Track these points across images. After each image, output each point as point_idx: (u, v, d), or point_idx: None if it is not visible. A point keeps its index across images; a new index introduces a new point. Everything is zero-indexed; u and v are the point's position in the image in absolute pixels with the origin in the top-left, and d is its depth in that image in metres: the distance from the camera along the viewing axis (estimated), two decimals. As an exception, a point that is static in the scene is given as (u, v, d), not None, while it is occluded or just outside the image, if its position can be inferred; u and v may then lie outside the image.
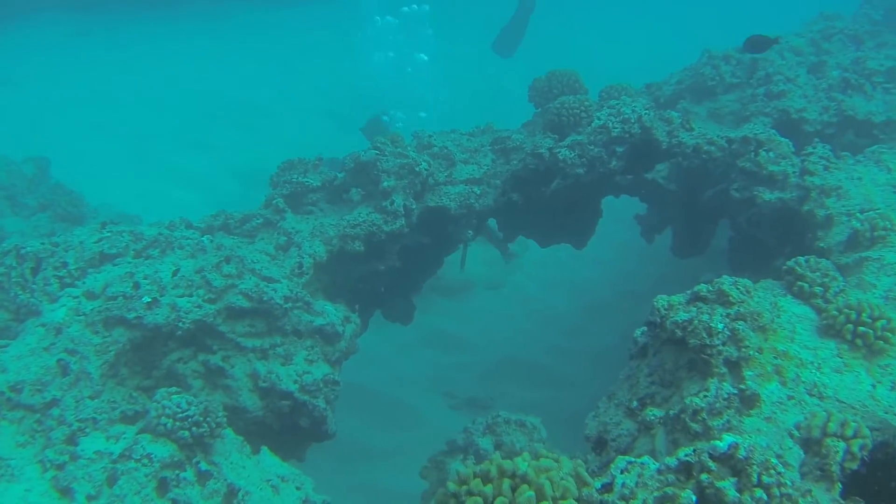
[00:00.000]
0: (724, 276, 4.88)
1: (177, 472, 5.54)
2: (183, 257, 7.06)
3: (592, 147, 8.14)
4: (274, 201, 7.81)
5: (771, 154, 7.23)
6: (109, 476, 5.41)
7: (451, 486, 3.39)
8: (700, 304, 4.74)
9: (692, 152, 7.87)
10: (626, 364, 5.36)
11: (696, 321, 4.55)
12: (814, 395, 4.47)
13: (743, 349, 4.53)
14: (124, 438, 5.67)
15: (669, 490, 3.33)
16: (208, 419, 5.71)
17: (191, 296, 6.66)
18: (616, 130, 8.10)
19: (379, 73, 20.70)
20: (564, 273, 13.19)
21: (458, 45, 25.24)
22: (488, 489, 3.31)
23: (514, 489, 3.31)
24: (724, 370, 4.52)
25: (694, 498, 3.31)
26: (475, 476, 3.38)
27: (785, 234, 7.11)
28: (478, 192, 8.27)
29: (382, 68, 20.84)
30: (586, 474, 3.42)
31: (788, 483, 3.37)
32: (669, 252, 11.78)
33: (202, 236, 7.32)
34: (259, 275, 6.96)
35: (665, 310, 4.80)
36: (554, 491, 3.27)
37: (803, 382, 4.55)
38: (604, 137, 8.16)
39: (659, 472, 3.50)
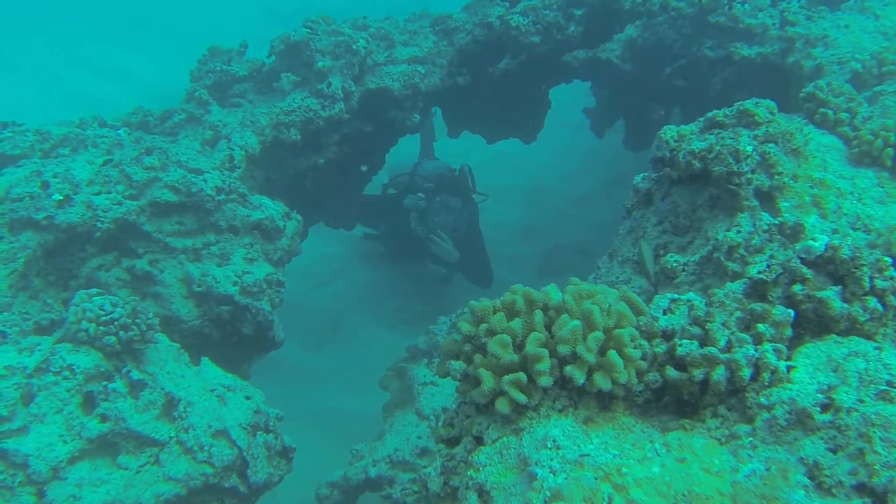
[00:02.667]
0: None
1: (104, 383, 4.77)
2: (98, 155, 6.19)
3: (548, 11, 7.38)
4: (197, 93, 6.94)
5: (747, 6, 6.56)
6: (24, 393, 4.61)
7: (465, 326, 2.67)
8: (718, 131, 4.05)
9: (659, 9, 7.16)
10: (623, 221, 4.70)
11: (718, 146, 3.86)
12: (858, 229, 3.83)
13: (776, 176, 3.85)
14: (39, 350, 4.83)
15: (757, 307, 2.64)
16: (137, 321, 4.92)
17: (109, 192, 5.82)
18: (572, -10, 7.37)
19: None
20: (510, 180, 12.47)
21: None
22: (516, 324, 2.59)
23: (549, 324, 2.60)
24: (755, 203, 3.84)
25: (792, 312, 2.63)
26: (496, 310, 2.65)
27: (766, 93, 6.45)
28: (422, 70, 7.50)
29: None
30: (639, 300, 2.72)
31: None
32: (617, 155, 11.25)
33: (120, 128, 6.44)
34: (185, 167, 6.13)
35: (675, 141, 4.10)
36: (606, 318, 2.56)
37: (845, 214, 3.90)
38: (560, 0, 7.42)
39: (716, 303, 2.81)
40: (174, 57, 15.31)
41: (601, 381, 2.49)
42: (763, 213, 3.80)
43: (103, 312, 4.85)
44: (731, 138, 3.88)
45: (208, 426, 4.90)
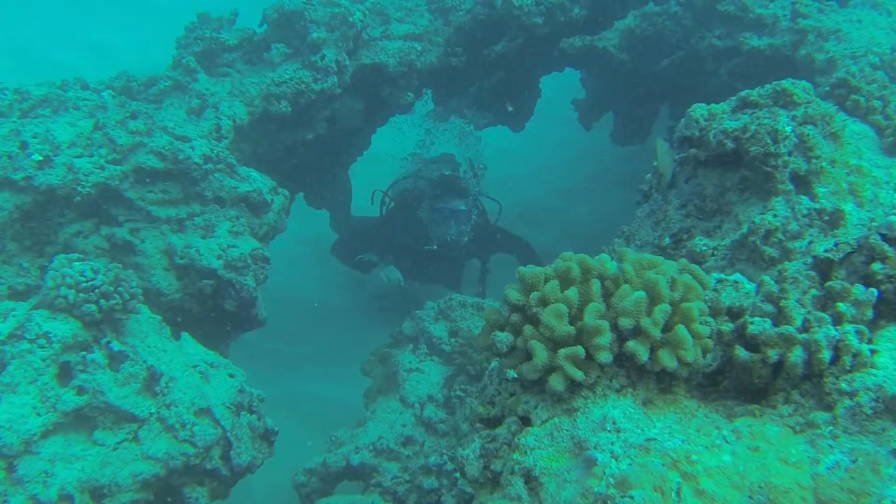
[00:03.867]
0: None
1: (83, 353, 4.47)
2: (80, 118, 5.85)
3: (552, -7, 7.16)
4: (184, 60, 6.60)
5: (758, -5, 6.39)
6: (-4, 360, 4.30)
7: (514, 294, 2.41)
8: (752, 111, 3.84)
9: (667, -5, 6.98)
10: (639, 204, 4.49)
11: (755, 125, 3.64)
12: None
13: (814, 161, 3.64)
14: (13, 316, 4.52)
15: (836, 284, 2.41)
16: (120, 289, 4.64)
17: (91, 156, 5.51)
18: (580, -28, 7.14)
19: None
20: (494, 172, 12.26)
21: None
22: (572, 293, 2.34)
23: (605, 295, 2.36)
24: (791, 187, 3.64)
25: (875, 292, 2.40)
26: (548, 278, 2.40)
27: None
28: (419, 48, 7.23)
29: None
30: (702, 272, 2.48)
31: None
32: (599, 150, 11.10)
33: (103, 91, 6.11)
34: (172, 133, 5.83)
35: (706, 119, 3.89)
36: (672, 290, 2.33)
37: (882, 204, 3.71)
38: (566, -19, 7.20)
39: (789, 280, 2.57)
40: (151, 32, 14.94)
41: (666, 360, 2.26)
42: (802, 197, 3.60)
43: (84, 279, 4.55)
44: (769, 118, 3.68)
45: (191, 403, 4.62)
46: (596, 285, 2.35)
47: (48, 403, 4.28)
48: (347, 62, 6.85)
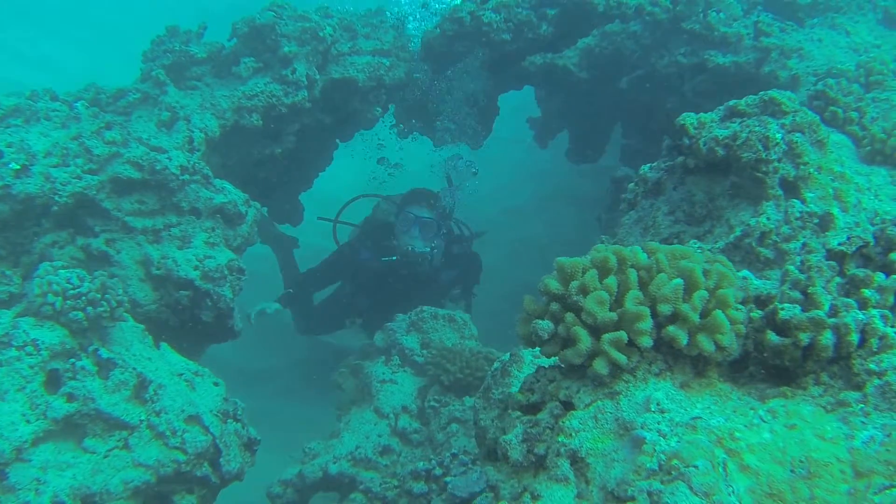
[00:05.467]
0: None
1: (72, 360, 4.44)
2: (52, 128, 5.82)
3: (520, 10, 7.30)
4: (153, 73, 6.58)
5: (721, 15, 6.60)
6: (-16, 368, 4.25)
7: (553, 284, 2.50)
8: (740, 119, 4.00)
9: (634, 13, 7.16)
10: (623, 212, 4.61)
11: (745, 132, 3.80)
12: (876, 224, 3.81)
13: (801, 167, 3.81)
14: (-1, 324, 4.48)
15: (859, 272, 2.54)
16: (107, 297, 4.62)
17: (67, 165, 5.47)
18: (546, -11, 7.30)
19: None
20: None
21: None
22: (611, 282, 2.44)
23: (641, 283, 2.47)
24: (780, 192, 3.80)
25: None
26: (586, 268, 2.50)
27: (736, 103, 6.51)
28: (387, 63, 7.33)
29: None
30: (728, 262, 2.60)
31: None
32: (552, 168, 11.24)
33: (75, 102, 6.07)
34: (147, 144, 5.82)
35: (695, 128, 4.03)
36: (707, 278, 2.44)
37: (864, 209, 3.89)
38: (533, -1, 7.36)
39: (814, 269, 2.70)
40: (102, 49, 14.78)
41: (705, 343, 2.37)
42: (795, 201, 3.76)
43: (70, 286, 4.54)
44: (759, 125, 3.83)
45: (181, 410, 4.61)
46: (633, 274, 2.45)
47: (38, 411, 4.24)
48: (318, 76, 6.91)
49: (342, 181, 10.44)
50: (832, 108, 4.61)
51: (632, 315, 2.36)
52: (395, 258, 7.83)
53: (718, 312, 2.37)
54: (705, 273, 2.45)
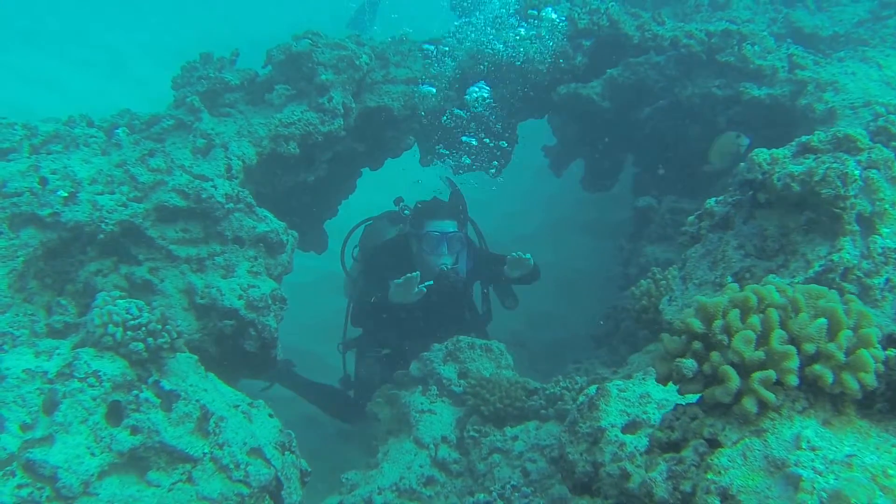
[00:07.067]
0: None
1: (135, 392, 4.39)
2: (92, 155, 5.80)
3: (554, 41, 7.37)
4: (188, 100, 6.56)
5: (756, 48, 6.67)
6: (46, 400, 4.20)
7: (696, 323, 2.50)
8: (813, 156, 4.03)
9: (669, 45, 7.22)
10: (686, 246, 4.62)
11: (823, 169, 3.82)
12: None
13: (877, 203, 3.83)
14: (59, 354, 4.43)
15: None
16: (167, 327, 4.57)
17: (112, 193, 5.45)
18: (583, 22, 7.34)
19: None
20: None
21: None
22: (754, 321, 2.45)
23: (783, 321, 2.47)
24: (857, 227, 3.83)
25: None
26: (726, 309, 2.50)
27: (770, 134, 6.56)
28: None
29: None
30: (861, 302, 2.61)
31: None
32: (561, 196, 11.28)
33: (117, 129, 6.04)
34: (190, 172, 5.80)
35: (769, 164, 4.06)
36: (848, 317, 2.45)
37: (939, 246, 3.93)
38: (570, 30, 7.40)
39: None
40: (104, 70, 14.73)
41: (850, 382, 2.37)
42: (876, 237, 3.79)
43: (130, 316, 4.49)
44: (837, 162, 3.86)
45: (243, 443, 4.56)
46: (774, 314, 2.45)
47: (103, 444, 4.19)
48: (353, 105, 6.92)
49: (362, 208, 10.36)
50: (894, 143, 4.66)
51: (779, 354, 2.37)
52: (430, 283, 7.09)
53: (864, 351, 2.38)
54: (847, 312, 2.46)
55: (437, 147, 8.44)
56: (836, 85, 6.31)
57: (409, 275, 6.85)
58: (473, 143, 8.20)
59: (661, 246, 7.91)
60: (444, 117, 7.83)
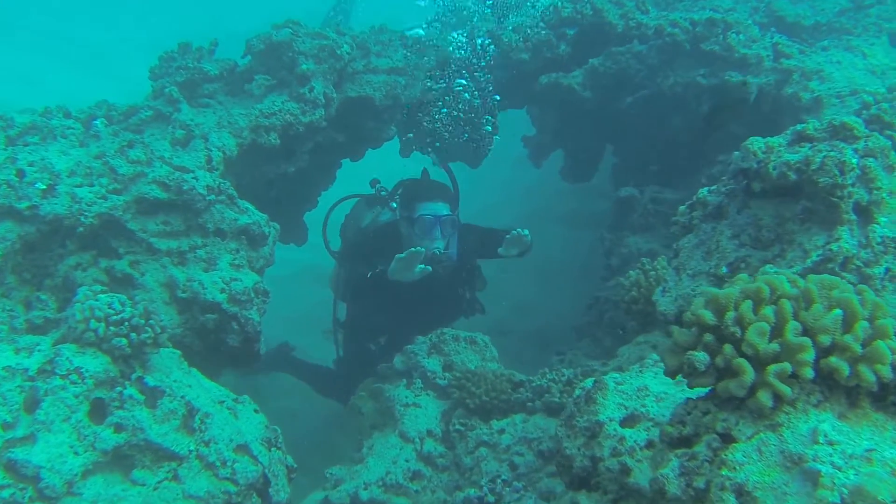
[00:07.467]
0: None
1: (118, 389, 4.28)
2: (70, 146, 5.67)
3: (540, 30, 7.29)
4: (166, 90, 6.41)
5: (741, 36, 6.63)
6: (28, 398, 4.09)
7: (707, 315, 2.43)
8: (809, 144, 3.98)
9: (654, 34, 7.17)
10: (679, 236, 4.57)
11: (819, 157, 3.77)
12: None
13: (875, 191, 3.79)
14: (39, 351, 4.32)
15: None
16: (151, 322, 4.47)
17: (92, 185, 5.33)
18: (566, 10, 7.27)
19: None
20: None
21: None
22: (768, 313, 2.39)
23: (796, 312, 2.41)
24: (854, 217, 3.78)
25: None
26: (738, 300, 2.44)
27: (754, 122, 6.53)
28: (402, 82, 7.26)
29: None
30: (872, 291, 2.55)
31: None
32: (540, 188, 11.22)
33: (95, 120, 5.91)
34: (170, 163, 5.68)
35: (763, 152, 4.00)
36: (864, 308, 2.40)
37: (934, 236, 3.89)
38: (553, 18, 7.33)
39: None
40: (84, 66, 14.52)
41: (867, 374, 2.32)
42: (874, 226, 3.75)
43: (113, 311, 4.39)
44: (834, 151, 3.81)
45: (230, 440, 4.47)
46: (787, 304, 2.40)
47: (86, 442, 4.08)
48: (335, 95, 6.81)
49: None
50: (888, 132, 4.63)
51: (795, 346, 2.31)
52: (429, 268, 6.74)
53: (881, 343, 2.33)
54: (862, 303, 2.41)
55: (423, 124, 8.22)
56: (822, 74, 6.29)
57: (412, 249, 6.53)
58: (467, 86, 7.85)
59: (644, 236, 7.87)
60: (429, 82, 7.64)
